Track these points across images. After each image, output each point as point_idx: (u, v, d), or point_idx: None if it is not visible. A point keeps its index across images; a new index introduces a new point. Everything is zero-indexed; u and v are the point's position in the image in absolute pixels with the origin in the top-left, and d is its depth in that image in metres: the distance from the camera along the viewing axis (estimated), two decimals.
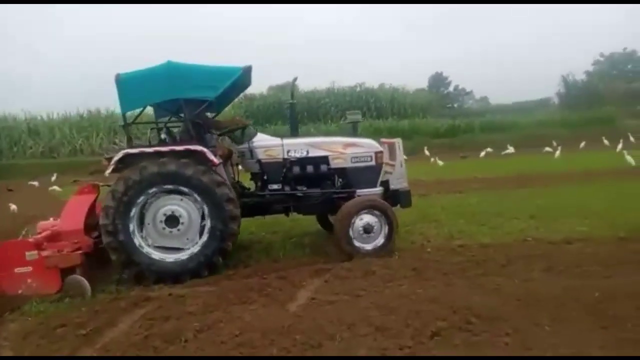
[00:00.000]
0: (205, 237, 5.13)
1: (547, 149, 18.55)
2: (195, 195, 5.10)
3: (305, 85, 30.69)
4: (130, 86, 5.23)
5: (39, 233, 5.34)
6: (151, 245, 5.10)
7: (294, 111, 6.57)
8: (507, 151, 19.86)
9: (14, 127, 25.29)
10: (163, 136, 6.21)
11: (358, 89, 31.05)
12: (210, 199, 5.09)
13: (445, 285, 4.35)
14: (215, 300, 4.32)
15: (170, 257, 5.10)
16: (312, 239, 6.55)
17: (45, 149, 24.28)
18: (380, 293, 4.20)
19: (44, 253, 4.83)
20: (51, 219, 5.82)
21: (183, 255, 5.09)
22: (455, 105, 48.34)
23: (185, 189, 5.10)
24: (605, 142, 19.31)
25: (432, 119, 28.87)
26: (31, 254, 4.75)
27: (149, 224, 5.11)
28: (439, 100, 41.49)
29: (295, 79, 6.27)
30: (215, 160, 5.26)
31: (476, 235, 6.32)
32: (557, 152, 16.81)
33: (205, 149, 5.20)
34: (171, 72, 5.24)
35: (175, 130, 6.50)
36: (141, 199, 5.05)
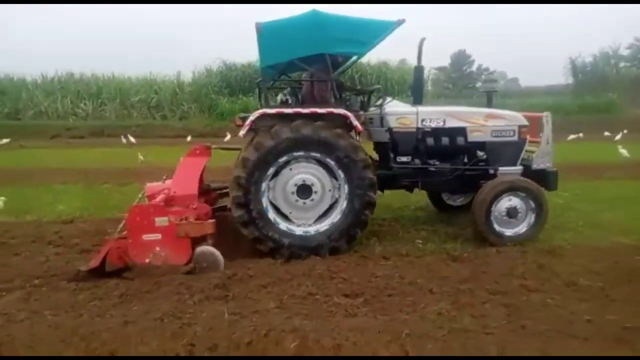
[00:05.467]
0: (343, 206, 4.80)
1: None
2: (331, 162, 4.74)
3: None
4: (272, 37, 4.73)
5: (149, 196, 4.97)
6: (284, 218, 4.79)
7: (421, 75, 5.72)
8: None
9: None
10: (282, 97, 5.81)
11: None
12: (348, 165, 4.72)
13: (176, 307, 3.49)
14: None
15: (305, 231, 4.77)
16: None
17: (12, 111, 23.63)
18: (78, 317, 3.41)
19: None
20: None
21: (320, 229, 4.79)
22: (477, 85, 44.98)
23: (321, 155, 4.72)
24: (580, 135, 17.15)
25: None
26: (161, 220, 4.25)
27: (279, 195, 4.79)
28: (446, 79, 38.69)
29: (423, 40, 5.45)
30: (360, 126, 4.92)
31: None
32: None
33: (349, 114, 4.83)
34: (317, 23, 4.73)
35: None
36: (274, 167, 4.70)
